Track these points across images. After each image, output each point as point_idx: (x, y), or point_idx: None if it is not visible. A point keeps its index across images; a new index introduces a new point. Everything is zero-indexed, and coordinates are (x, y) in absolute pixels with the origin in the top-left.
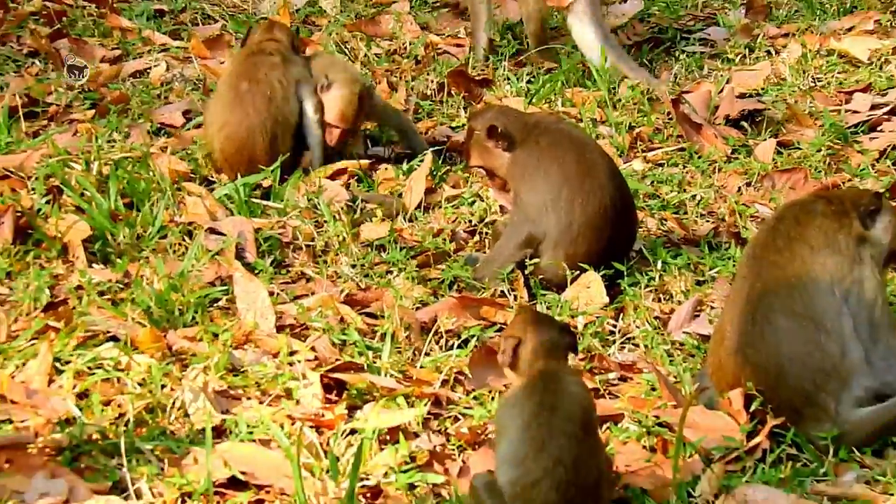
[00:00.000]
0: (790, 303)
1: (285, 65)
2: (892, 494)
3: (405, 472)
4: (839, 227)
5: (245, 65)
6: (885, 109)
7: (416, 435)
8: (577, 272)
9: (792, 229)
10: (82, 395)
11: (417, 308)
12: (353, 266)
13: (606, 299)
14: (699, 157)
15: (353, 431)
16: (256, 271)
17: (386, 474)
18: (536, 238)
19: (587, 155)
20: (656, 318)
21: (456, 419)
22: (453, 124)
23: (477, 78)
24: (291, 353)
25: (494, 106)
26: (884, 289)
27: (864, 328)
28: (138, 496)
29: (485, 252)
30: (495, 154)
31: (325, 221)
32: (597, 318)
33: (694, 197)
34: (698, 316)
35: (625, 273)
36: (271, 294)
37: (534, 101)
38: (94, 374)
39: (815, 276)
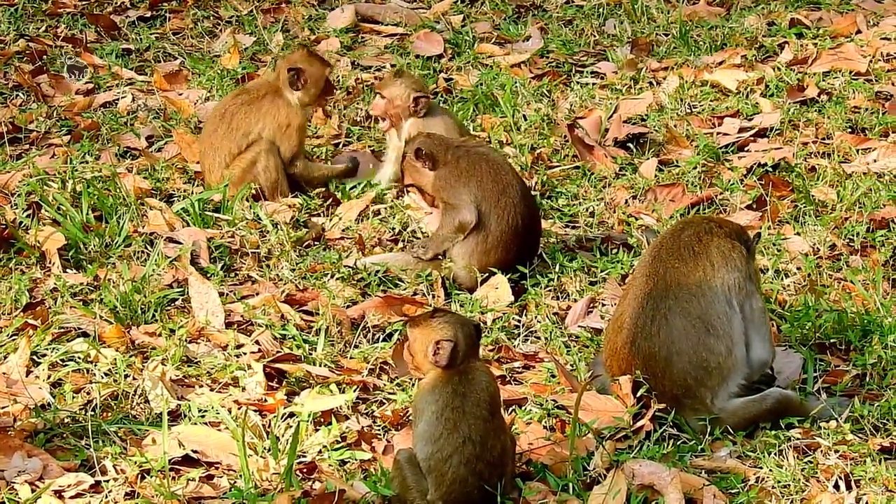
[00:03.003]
0: (688, 307)
1: None
2: (761, 468)
3: (337, 450)
4: (733, 247)
5: None
6: (752, 132)
7: (347, 417)
8: (487, 274)
9: (696, 244)
10: (56, 384)
11: (348, 306)
12: (293, 270)
13: (512, 298)
14: (592, 174)
15: (291, 414)
16: (209, 275)
17: (320, 452)
18: (467, 224)
19: (503, 176)
20: (555, 314)
21: (381, 403)
22: (379, 147)
23: None
24: (238, 346)
25: (426, 133)
26: (764, 302)
27: (751, 331)
28: (103, 473)
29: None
30: (422, 173)
31: (268, 232)
32: (503, 314)
33: (587, 209)
34: (591, 312)
35: (528, 275)
36: (221, 295)
37: None
38: (66, 365)
39: (713, 287)
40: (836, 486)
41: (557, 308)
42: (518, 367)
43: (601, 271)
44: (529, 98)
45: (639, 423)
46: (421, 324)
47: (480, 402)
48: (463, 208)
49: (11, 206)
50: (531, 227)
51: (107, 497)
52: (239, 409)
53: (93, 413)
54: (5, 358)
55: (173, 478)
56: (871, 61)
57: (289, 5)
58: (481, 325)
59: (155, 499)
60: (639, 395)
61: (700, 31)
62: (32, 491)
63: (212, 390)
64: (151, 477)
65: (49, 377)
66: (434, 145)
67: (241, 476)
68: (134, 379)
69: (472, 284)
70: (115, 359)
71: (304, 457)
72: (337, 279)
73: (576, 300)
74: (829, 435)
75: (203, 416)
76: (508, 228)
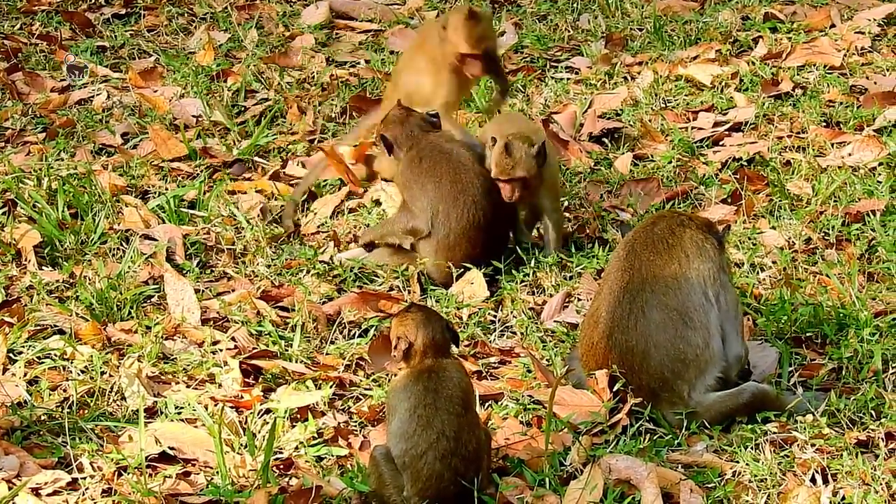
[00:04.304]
0: (665, 299)
1: None
2: (737, 462)
3: (313, 446)
4: (705, 238)
5: None
6: (726, 126)
7: (323, 413)
8: (462, 270)
9: (669, 237)
10: (32, 382)
11: (324, 302)
12: (268, 266)
13: (487, 293)
14: (567, 169)
15: (267, 411)
16: (184, 272)
17: (297, 448)
18: (419, 231)
19: (462, 175)
20: (531, 309)
21: (357, 399)
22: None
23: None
24: (214, 343)
25: (402, 115)
26: (738, 294)
27: (727, 324)
28: (80, 470)
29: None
30: (384, 157)
31: (244, 228)
32: (479, 309)
33: (562, 203)
34: (567, 307)
35: (503, 270)
36: (197, 291)
37: None
38: (42, 363)
39: (689, 278)
40: (813, 480)
41: (533, 303)
42: (494, 363)
43: (577, 266)
44: None
45: (615, 418)
46: (395, 317)
47: (453, 398)
48: (418, 216)
49: None
50: (495, 221)
51: (84, 494)
52: (215, 405)
53: (69, 410)
54: None
55: (150, 475)
56: (845, 55)
57: (263, 2)
58: (455, 321)
59: (132, 496)
60: (615, 389)
61: (674, 26)
62: (9, 489)
63: (188, 387)
64: (128, 474)
65: (25, 375)
66: (399, 134)
67: (217, 473)
68: (110, 376)
69: (445, 279)
70: (92, 356)
71: (281, 453)
72: (312, 275)
73: (551, 295)
74: (805, 429)
75: (179, 413)
76: (469, 225)
